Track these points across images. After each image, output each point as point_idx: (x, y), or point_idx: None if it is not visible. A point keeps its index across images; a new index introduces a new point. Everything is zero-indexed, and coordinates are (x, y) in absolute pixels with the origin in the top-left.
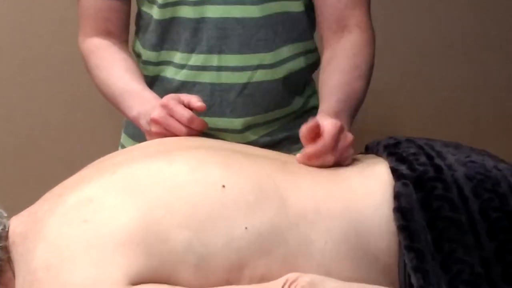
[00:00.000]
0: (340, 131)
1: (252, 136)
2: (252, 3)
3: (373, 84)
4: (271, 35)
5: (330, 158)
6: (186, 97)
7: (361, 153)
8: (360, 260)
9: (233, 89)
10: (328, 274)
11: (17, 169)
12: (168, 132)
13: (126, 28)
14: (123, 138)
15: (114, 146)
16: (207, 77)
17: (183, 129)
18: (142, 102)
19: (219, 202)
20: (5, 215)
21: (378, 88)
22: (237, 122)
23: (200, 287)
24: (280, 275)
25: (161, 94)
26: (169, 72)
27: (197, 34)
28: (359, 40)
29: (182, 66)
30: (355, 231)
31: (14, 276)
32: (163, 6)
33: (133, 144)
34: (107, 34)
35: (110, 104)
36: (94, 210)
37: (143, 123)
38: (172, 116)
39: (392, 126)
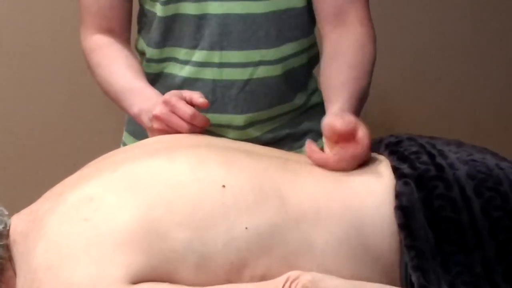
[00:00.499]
0: (356, 126)
1: (254, 133)
2: None
3: (373, 84)
4: (273, 32)
5: (357, 164)
6: (188, 93)
7: None
8: (361, 259)
9: (235, 85)
10: (329, 272)
11: (18, 167)
12: (170, 129)
13: (128, 26)
14: (125, 136)
15: (115, 144)
16: (209, 74)
17: (185, 125)
18: (144, 99)
19: (219, 201)
20: (6, 213)
21: (378, 87)
22: (239, 119)
23: (201, 285)
24: (281, 275)
25: (164, 91)
26: (173, 69)
27: (199, 31)
28: (362, 36)
29: (185, 62)
30: (356, 231)
31: (15, 274)
32: (166, 3)
33: (135, 142)
34: (109, 32)
35: (112, 102)
36: (95, 209)
37: (145, 120)
38: (174, 112)
39: (392, 124)
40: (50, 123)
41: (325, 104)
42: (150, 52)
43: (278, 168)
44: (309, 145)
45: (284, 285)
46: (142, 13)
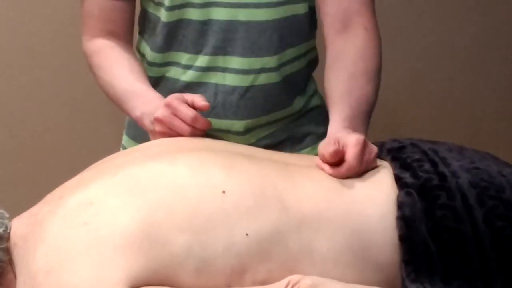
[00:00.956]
0: (364, 146)
1: (254, 138)
2: (258, 7)
3: (386, 87)
4: (275, 39)
5: (355, 174)
6: (190, 96)
7: None
8: (363, 269)
9: (236, 92)
10: None
11: (18, 171)
12: (172, 132)
13: (130, 28)
14: (125, 140)
15: (115, 148)
16: (212, 78)
17: (187, 128)
18: (146, 102)
19: (219, 206)
20: (7, 216)
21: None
22: (239, 124)
23: None
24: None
25: (166, 95)
26: (174, 73)
27: (203, 36)
28: (367, 43)
29: (188, 67)
30: (358, 240)
31: (15, 277)
32: (171, 8)
33: (135, 145)
34: (111, 34)
35: (112, 106)
36: (95, 213)
37: (147, 123)
38: (176, 115)
39: (394, 126)
40: (50, 126)
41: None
42: (153, 56)
43: (279, 173)
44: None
45: None
46: (145, 16)
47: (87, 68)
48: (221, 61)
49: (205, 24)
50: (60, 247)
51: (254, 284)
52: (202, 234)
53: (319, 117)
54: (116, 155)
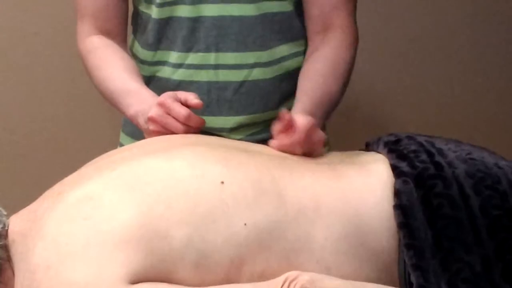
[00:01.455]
0: (313, 127)
1: (249, 135)
2: (248, 2)
3: (374, 84)
4: (267, 33)
5: (298, 150)
6: (183, 94)
7: (361, 150)
8: (360, 257)
9: (230, 87)
10: (328, 270)
11: (16, 168)
12: (165, 131)
13: (125, 27)
14: (122, 137)
15: (113, 145)
16: (204, 76)
17: (180, 127)
18: (140, 101)
19: (218, 198)
20: (5, 213)
21: (378, 87)
22: (234, 120)
23: (200, 284)
24: (280, 271)
25: (158, 94)
26: (165, 72)
27: (194, 33)
28: (339, 43)
29: (178, 66)
30: (355, 228)
31: (14, 274)
32: (161, 5)
33: (132, 142)
34: (105, 33)
35: (109, 104)
36: (94, 208)
37: (141, 121)
38: (169, 114)
39: (391, 124)
40: (48, 124)
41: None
42: (144, 54)
43: (276, 165)
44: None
45: (282, 285)
46: (137, 14)
47: (83, 66)
48: (213, 58)
49: (195, 21)
50: (59, 243)
51: (252, 276)
52: (201, 226)
53: None
54: (114, 152)
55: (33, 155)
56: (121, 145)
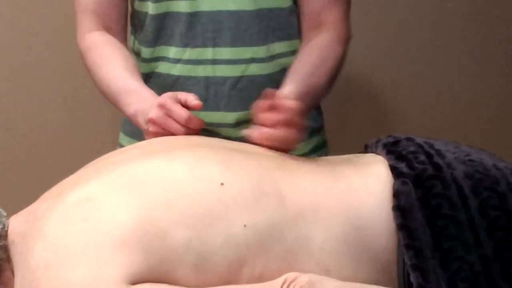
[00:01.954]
0: (299, 111)
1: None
2: None
3: (373, 84)
4: (264, 29)
5: (278, 134)
6: (183, 95)
7: (360, 152)
8: (359, 258)
9: (227, 82)
10: (327, 271)
11: (16, 169)
12: (165, 132)
13: (125, 24)
14: (121, 137)
15: (112, 145)
16: (201, 71)
17: (180, 129)
18: (140, 100)
19: (217, 199)
20: (5, 214)
21: (377, 87)
22: (231, 116)
23: (200, 285)
24: (280, 273)
25: (156, 90)
26: (164, 68)
27: (191, 28)
28: (330, 38)
29: (176, 61)
30: (355, 229)
31: (13, 275)
32: (158, 0)
33: (131, 142)
34: (106, 29)
35: (108, 103)
36: (93, 209)
37: (141, 121)
38: (169, 116)
39: (391, 125)
40: (47, 124)
41: None
42: (143, 51)
43: (276, 166)
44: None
45: (281, 286)
46: (134, 14)
47: (83, 66)
48: (210, 53)
49: (193, 16)
50: (59, 244)
51: (251, 277)
52: (201, 228)
53: (314, 113)
54: (114, 153)
55: (33, 156)
56: (121, 145)
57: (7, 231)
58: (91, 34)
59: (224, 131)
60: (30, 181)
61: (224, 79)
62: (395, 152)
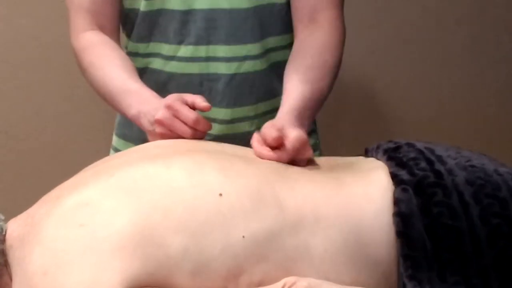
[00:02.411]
0: (304, 145)
1: (242, 128)
2: None
3: (373, 85)
4: (257, 26)
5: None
6: (190, 97)
7: (360, 155)
8: (360, 266)
9: (222, 79)
10: (327, 279)
11: (13, 172)
12: (172, 134)
13: (118, 25)
14: (115, 140)
15: (106, 147)
16: (196, 68)
17: (188, 130)
18: (142, 101)
19: (216, 209)
20: (2, 218)
21: (371, 90)
22: (225, 112)
23: None
24: (279, 281)
25: (150, 86)
26: (157, 64)
27: (185, 26)
28: (329, 38)
29: (171, 58)
30: (355, 237)
31: (11, 280)
32: None
33: (125, 145)
34: (101, 28)
35: (102, 106)
36: (91, 214)
37: (145, 122)
38: (177, 117)
39: (385, 128)
40: (43, 127)
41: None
42: (136, 46)
43: (276, 174)
44: (255, 139)
45: None
46: (125, 15)
47: (77, 67)
48: (204, 50)
49: (187, 13)
50: (56, 249)
51: (250, 285)
52: (198, 236)
53: None
54: (113, 156)
55: (30, 159)
56: (114, 148)
57: (5, 235)
58: (86, 33)
59: (219, 127)
60: (28, 185)
61: (219, 76)
62: (395, 159)
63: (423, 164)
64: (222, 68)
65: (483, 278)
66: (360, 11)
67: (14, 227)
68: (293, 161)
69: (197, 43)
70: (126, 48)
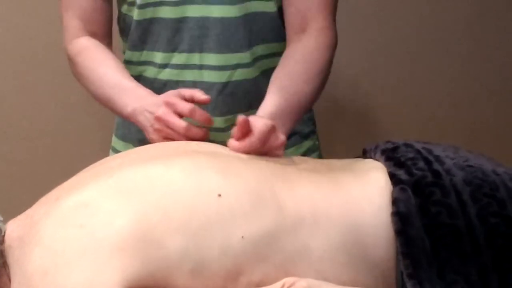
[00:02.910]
0: (271, 131)
1: None
2: (231, 3)
3: (372, 87)
4: (247, 34)
5: (254, 153)
6: (188, 92)
7: (358, 157)
8: (358, 266)
9: (214, 88)
10: (327, 280)
11: (12, 173)
12: (169, 131)
13: (110, 31)
14: (114, 141)
15: (105, 148)
16: (190, 76)
17: (182, 123)
18: (137, 99)
19: (215, 210)
20: (1, 218)
21: (370, 91)
22: (219, 121)
23: None
24: (278, 281)
25: None
26: (151, 72)
27: (178, 34)
28: (314, 44)
29: (164, 66)
30: (354, 237)
31: (9, 281)
32: (143, 6)
33: (124, 146)
34: (92, 35)
35: (101, 107)
36: (90, 214)
37: (141, 119)
38: (174, 111)
39: (384, 129)
40: (42, 128)
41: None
42: (129, 54)
43: (276, 175)
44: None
45: None
46: (121, 18)
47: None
48: (197, 58)
49: (179, 22)
50: (56, 249)
51: (249, 286)
52: (197, 237)
53: (305, 116)
54: (112, 157)
55: (29, 160)
56: (114, 148)
57: (4, 235)
58: (79, 39)
59: (213, 135)
60: (28, 185)
61: (211, 84)
62: (393, 159)
63: (421, 164)
64: (215, 77)
65: (482, 276)
66: (359, 12)
67: (13, 228)
68: (267, 152)
69: (190, 50)
70: (124, 53)
